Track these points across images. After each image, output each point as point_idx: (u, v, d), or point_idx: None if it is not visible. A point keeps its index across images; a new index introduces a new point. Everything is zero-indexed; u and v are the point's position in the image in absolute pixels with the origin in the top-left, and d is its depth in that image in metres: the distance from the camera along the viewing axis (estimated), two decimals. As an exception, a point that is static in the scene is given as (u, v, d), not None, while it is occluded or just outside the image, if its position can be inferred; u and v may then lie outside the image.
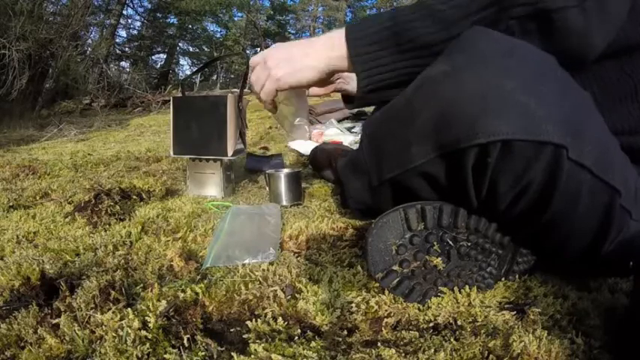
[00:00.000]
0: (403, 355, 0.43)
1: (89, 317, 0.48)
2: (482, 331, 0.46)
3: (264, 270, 0.60)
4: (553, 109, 0.43)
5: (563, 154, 0.43)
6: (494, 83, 0.44)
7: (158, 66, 11.83)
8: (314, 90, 0.78)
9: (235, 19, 13.66)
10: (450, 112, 0.45)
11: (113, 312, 0.48)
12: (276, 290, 0.54)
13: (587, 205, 0.47)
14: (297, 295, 0.54)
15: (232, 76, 12.50)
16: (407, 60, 0.56)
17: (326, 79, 0.65)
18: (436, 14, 0.53)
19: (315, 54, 0.62)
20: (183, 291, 0.54)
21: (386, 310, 0.51)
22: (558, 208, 0.47)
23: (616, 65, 0.57)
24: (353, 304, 0.52)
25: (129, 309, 0.49)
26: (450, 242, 0.53)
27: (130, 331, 0.45)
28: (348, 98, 0.84)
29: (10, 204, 0.97)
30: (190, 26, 12.29)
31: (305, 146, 1.64)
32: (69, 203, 0.98)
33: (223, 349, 0.45)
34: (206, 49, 12.93)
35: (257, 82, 0.68)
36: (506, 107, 0.43)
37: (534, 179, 0.45)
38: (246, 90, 0.95)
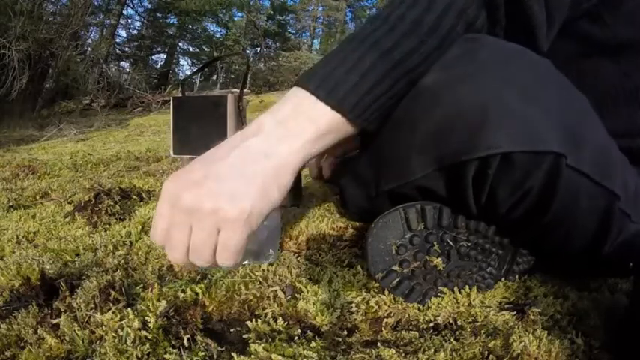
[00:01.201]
0: (403, 355, 0.43)
1: (89, 317, 0.48)
2: (483, 331, 0.46)
3: (264, 270, 0.60)
4: (553, 116, 0.43)
5: (562, 162, 0.43)
6: (493, 94, 0.43)
7: (158, 66, 11.84)
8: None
9: (235, 19, 13.67)
10: (450, 125, 0.45)
11: (113, 312, 0.48)
12: (276, 290, 0.54)
13: (585, 210, 0.47)
14: (297, 295, 0.54)
15: (232, 76, 12.49)
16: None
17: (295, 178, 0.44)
18: (437, 31, 0.45)
19: (272, 145, 0.41)
20: (184, 291, 0.54)
21: (386, 310, 0.51)
22: (556, 213, 0.47)
23: (615, 66, 0.56)
24: (353, 304, 0.52)
25: (129, 309, 0.49)
26: (450, 242, 0.53)
27: (130, 331, 0.45)
28: None
29: (10, 204, 0.97)
30: (190, 26, 12.29)
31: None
32: (69, 203, 0.98)
33: (223, 349, 0.45)
34: (206, 49, 12.93)
35: (198, 245, 0.39)
36: (506, 118, 0.42)
37: (533, 187, 0.45)
38: (246, 90, 0.95)
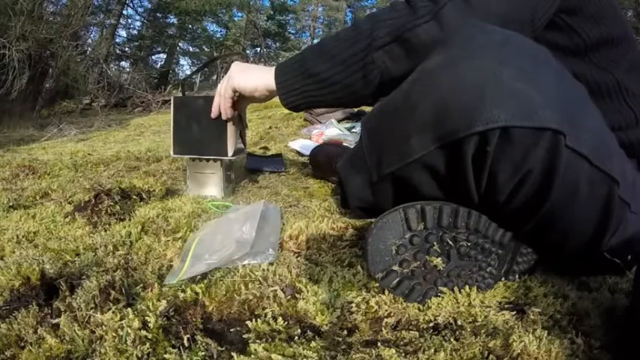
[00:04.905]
0: (403, 355, 0.43)
1: (89, 317, 0.48)
2: (483, 331, 0.46)
3: (264, 270, 0.60)
4: (550, 95, 0.44)
5: (562, 141, 0.43)
6: (491, 72, 0.44)
7: (158, 66, 11.83)
8: None
9: (235, 19, 13.66)
10: (448, 103, 0.46)
11: (113, 312, 0.48)
12: (276, 290, 0.54)
13: (586, 196, 0.47)
14: (297, 295, 0.54)
15: (232, 76, 12.44)
16: (308, 85, 0.68)
17: (266, 96, 0.78)
18: (323, 49, 0.66)
19: (261, 73, 0.76)
20: (183, 291, 0.54)
21: (386, 310, 0.51)
22: (557, 198, 0.47)
23: (589, 65, 0.58)
24: (353, 304, 0.52)
25: (129, 309, 0.49)
26: (450, 242, 0.53)
27: (130, 331, 0.45)
28: None
29: (10, 204, 0.97)
30: (190, 26, 12.28)
31: (305, 146, 1.64)
32: (69, 203, 0.97)
33: (223, 349, 0.45)
34: (206, 49, 12.93)
35: (220, 88, 0.85)
36: (504, 95, 0.43)
37: (534, 168, 0.45)
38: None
